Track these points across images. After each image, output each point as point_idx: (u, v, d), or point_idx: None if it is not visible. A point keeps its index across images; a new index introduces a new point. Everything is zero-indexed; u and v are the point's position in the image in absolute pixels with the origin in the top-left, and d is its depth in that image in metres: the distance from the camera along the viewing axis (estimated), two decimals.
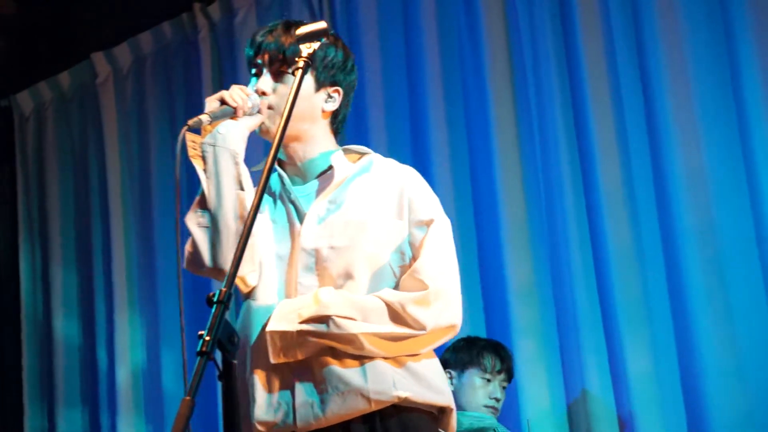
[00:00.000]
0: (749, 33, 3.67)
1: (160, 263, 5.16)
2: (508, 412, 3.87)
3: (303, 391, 2.19)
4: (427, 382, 2.23)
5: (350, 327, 2.16)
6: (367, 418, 2.18)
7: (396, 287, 2.25)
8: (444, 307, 2.23)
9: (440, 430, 2.27)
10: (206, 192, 2.21)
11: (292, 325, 2.17)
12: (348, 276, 2.23)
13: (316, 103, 2.34)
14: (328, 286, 2.23)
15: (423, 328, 2.20)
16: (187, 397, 1.60)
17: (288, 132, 2.12)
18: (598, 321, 3.82)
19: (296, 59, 2.10)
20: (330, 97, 2.35)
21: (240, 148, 2.22)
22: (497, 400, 3.69)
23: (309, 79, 2.31)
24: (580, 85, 4.00)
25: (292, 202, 2.31)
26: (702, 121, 3.72)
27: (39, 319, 5.63)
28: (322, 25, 2.13)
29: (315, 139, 2.35)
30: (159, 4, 5.39)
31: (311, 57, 2.10)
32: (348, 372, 2.18)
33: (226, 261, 2.17)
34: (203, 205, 2.22)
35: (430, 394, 2.22)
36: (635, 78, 3.91)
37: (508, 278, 4.01)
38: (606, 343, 3.78)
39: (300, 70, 2.07)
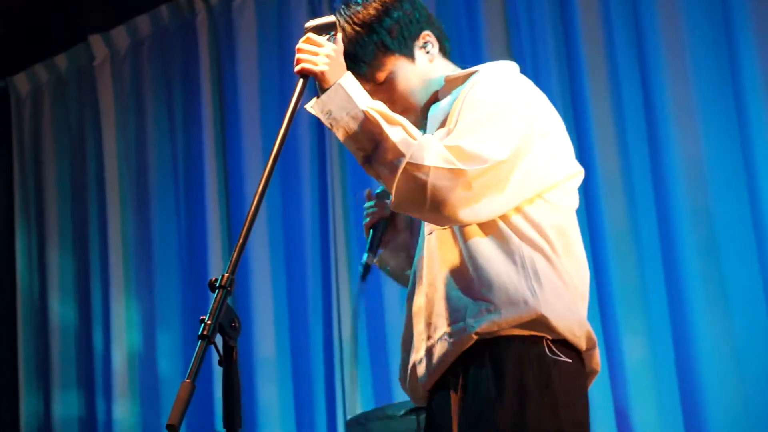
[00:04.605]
0: (748, 21, 3.66)
1: (157, 246, 5.16)
2: None
3: (415, 349, 2.11)
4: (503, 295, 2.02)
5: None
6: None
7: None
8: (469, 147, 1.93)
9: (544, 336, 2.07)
10: None
11: (361, 106, 1.95)
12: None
13: (420, 65, 2.16)
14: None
15: (483, 162, 1.93)
16: (188, 380, 1.60)
17: (406, 107, 2.12)
18: (595, 308, 3.81)
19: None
20: (424, 45, 2.16)
21: None
22: None
23: (401, 63, 2.14)
24: (578, 74, 3.98)
25: None
26: (700, 109, 3.72)
27: (35, 302, 5.63)
28: (330, 18, 2.07)
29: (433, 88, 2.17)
30: None
31: None
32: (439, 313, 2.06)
33: None
34: None
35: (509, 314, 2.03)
36: (634, 65, 3.90)
37: None
38: (602, 331, 3.78)
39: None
